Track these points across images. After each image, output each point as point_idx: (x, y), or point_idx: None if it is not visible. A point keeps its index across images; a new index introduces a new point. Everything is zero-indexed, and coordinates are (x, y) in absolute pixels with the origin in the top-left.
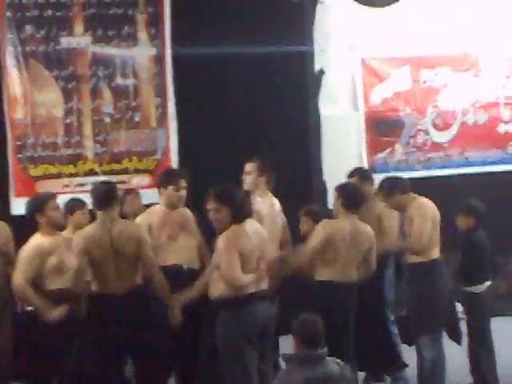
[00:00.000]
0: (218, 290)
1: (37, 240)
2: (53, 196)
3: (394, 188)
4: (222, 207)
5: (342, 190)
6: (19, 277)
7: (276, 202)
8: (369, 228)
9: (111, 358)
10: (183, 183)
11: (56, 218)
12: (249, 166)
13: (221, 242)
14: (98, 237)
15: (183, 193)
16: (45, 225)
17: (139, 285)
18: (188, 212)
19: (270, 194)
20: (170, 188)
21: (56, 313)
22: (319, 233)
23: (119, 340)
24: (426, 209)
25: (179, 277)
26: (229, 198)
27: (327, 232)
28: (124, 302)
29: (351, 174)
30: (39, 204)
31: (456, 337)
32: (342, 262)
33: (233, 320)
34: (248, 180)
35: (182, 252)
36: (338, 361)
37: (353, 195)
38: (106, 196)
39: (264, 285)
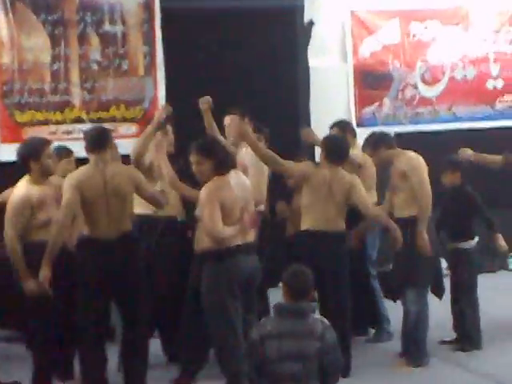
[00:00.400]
0: (202, 242)
1: (26, 189)
2: (48, 142)
3: (379, 142)
4: (204, 160)
5: (325, 142)
6: (10, 231)
7: None
8: (349, 176)
9: (97, 302)
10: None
11: (50, 165)
12: (228, 119)
13: (203, 193)
14: (91, 177)
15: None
16: (37, 172)
17: (129, 230)
18: None
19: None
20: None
21: (30, 285)
22: (299, 166)
23: (106, 285)
24: (422, 167)
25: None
26: (211, 150)
27: (306, 170)
28: (114, 247)
29: (331, 126)
30: (35, 150)
31: (438, 292)
32: (320, 209)
33: (216, 273)
34: (230, 132)
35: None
36: (324, 320)
37: (336, 148)
38: (98, 139)
39: (249, 237)
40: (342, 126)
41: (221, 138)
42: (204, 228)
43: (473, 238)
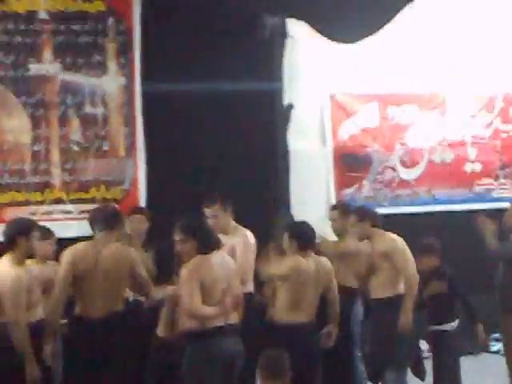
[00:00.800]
0: (183, 323)
1: (13, 271)
2: (36, 225)
3: (367, 216)
4: (187, 238)
5: (295, 229)
6: (18, 317)
7: (250, 236)
8: (327, 263)
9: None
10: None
11: (34, 247)
12: (209, 211)
13: (183, 272)
14: (85, 255)
15: None
16: (22, 250)
17: (119, 310)
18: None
19: (241, 228)
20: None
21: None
22: (285, 265)
23: (92, 363)
24: (405, 247)
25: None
26: (194, 229)
27: (292, 267)
28: (101, 327)
29: (333, 208)
30: (26, 228)
31: (420, 373)
32: (306, 302)
33: (197, 354)
34: (215, 224)
35: None
36: None
37: (305, 234)
38: (109, 220)
39: (232, 319)
40: (344, 208)
41: None
42: (183, 306)
43: (454, 320)
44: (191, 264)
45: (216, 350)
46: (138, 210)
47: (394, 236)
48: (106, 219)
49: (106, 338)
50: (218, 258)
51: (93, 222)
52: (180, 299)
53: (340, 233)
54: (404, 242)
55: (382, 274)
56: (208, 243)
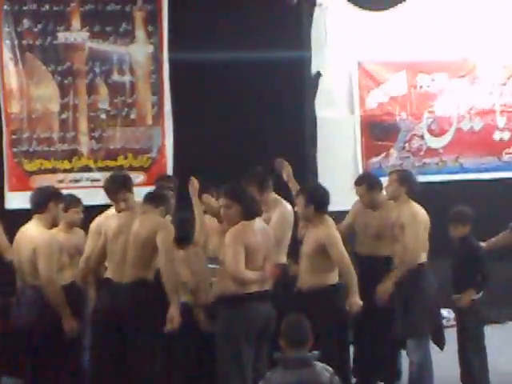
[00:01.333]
0: (222, 287)
1: (46, 234)
2: (61, 192)
3: (378, 184)
4: (232, 204)
5: (310, 192)
6: (50, 273)
7: (288, 209)
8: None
9: (105, 343)
10: None
11: (59, 215)
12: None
13: (228, 236)
14: (112, 221)
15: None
16: (51, 217)
17: (145, 278)
18: None
19: (280, 201)
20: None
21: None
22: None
23: (112, 327)
24: (419, 217)
25: None
26: (239, 194)
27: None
28: (122, 291)
29: (359, 182)
30: (56, 194)
31: (440, 342)
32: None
33: (234, 318)
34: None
35: None
36: (328, 367)
37: (322, 197)
38: (156, 200)
39: (267, 285)
40: (370, 182)
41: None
42: (227, 268)
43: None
44: (236, 228)
45: (253, 314)
46: (164, 177)
47: (414, 208)
48: (153, 199)
49: (131, 304)
50: (260, 224)
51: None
52: (224, 263)
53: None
54: (421, 214)
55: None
56: (251, 209)
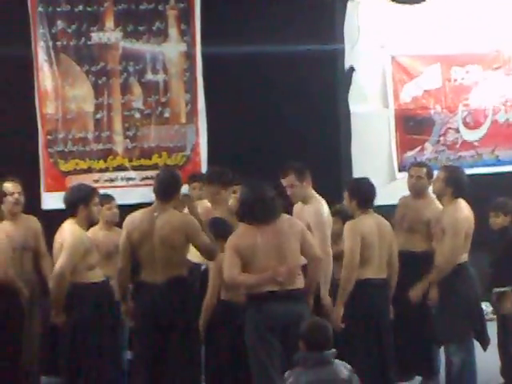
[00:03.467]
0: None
1: (80, 232)
2: (96, 191)
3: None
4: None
5: (355, 186)
6: (62, 268)
7: (323, 206)
8: (387, 223)
9: (147, 344)
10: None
11: (95, 213)
12: (284, 181)
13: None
14: (142, 222)
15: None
16: (83, 217)
17: (180, 275)
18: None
19: (317, 197)
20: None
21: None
22: (351, 234)
23: (153, 327)
24: (460, 222)
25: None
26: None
27: (359, 231)
28: (159, 291)
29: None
30: (86, 196)
31: (483, 341)
32: (376, 258)
33: (248, 317)
34: (292, 193)
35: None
36: (347, 365)
37: (368, 192)
38: (164, 187)
39: (291, 284)
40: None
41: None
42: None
43: None
44: (233, 234)
45: (264, 314)
46: (197, 176)
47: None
48: (166, 189)
49: (168, 303)
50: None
51: (154, 189)
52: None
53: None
54: (462, 218)
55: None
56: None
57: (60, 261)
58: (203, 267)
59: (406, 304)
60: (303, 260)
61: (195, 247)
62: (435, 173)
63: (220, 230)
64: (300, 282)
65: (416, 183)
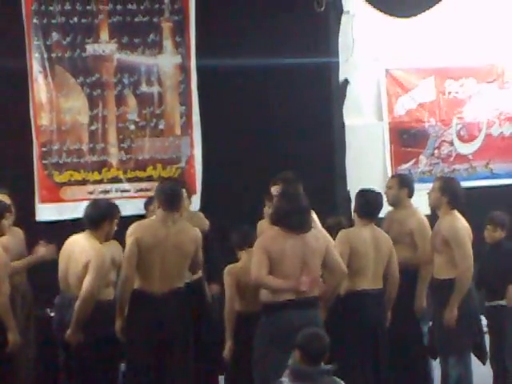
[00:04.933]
0: (261, 295)
1: (101, 248)
2: (118, 209)
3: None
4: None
5: (357, 197)
6: (92, 287)
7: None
8: (386, 235)
9: (144, 357)
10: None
11: (113, 231)
12: (274, 189)
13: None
14: (155, 231)
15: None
16: (104, 233)
17: (181, 287)
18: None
19: None
20: None
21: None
22: (340, 242)
23: (153, 339)
24: (462, 232)
25: None
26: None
27: (348, 239)
28: (162, 302)
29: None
30: (113, 211)
31: (481, 356)
32: (370, 269)
33: (263, 325)
34: None
35: None
36: (340, 381)
37: (367, 204)
38: (173, 199)
39: (308, 292)
40: (402, 179)
41: None
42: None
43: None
44: (262, 236)
45: (282, 322)
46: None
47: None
48: (172, 200)
49: (167, 314)
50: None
51: (158, 201)
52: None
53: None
54: (464, 229)
55: (443, 256)
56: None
57: (90, 280)
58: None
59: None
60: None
61: (193, 260)
62: (430, 185)
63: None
64: (317, 291)
65: (387, 193)
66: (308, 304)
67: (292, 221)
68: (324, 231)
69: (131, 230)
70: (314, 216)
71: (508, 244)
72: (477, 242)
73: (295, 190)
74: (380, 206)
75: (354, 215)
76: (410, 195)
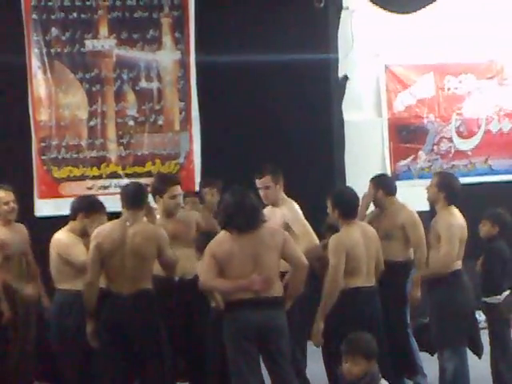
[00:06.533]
0: None
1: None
2: (99, 206)
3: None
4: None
5: (335, 200)
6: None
7: (297, 209)
8: (371, 228)
9: (111, 353)
10: (177, 190)
11: (89, 227)
12: (259, 182)
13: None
14: (113, 233)
15: (178, 200)
16: (77, 226)
17: (147, 289)
18: (189, 219)
19: (289, 201)
20: (166, 196)
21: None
22: (336, 250)
23: (117, 338)
24: (454, 228)
25: (169, 288)
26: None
27: (343, 246)
28: (125, 303)
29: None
30: (88, 207)
31: (477, 349)
32: (364, 267)
33: (225, 325)
34: (265, 195)
35: None
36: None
37: (349, 202)
38: (134, 197)
39: (267, 292)
40: (375, 181)
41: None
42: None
43: (500, 293)
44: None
45: (237, 322)
46: (209, 182)
47: (449, 217)
48: (134, 197)
49: (133, 315)
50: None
51: (121, 200)
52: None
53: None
54: (456, 225)
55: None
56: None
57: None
58: (176, 279)
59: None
60: (284, 267)
61: (159, 260)
62: (429, 181)
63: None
64: (278, 290)
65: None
66: (267, 303)
67: (236, 221)
68: (278, 226)
69: (93, 235)
70: (294, 210)
71: (499, 241)
72: (475, 237)
73: (240, 189)
74: (358, 200)
75: (333, 214)
76: (389, 193)
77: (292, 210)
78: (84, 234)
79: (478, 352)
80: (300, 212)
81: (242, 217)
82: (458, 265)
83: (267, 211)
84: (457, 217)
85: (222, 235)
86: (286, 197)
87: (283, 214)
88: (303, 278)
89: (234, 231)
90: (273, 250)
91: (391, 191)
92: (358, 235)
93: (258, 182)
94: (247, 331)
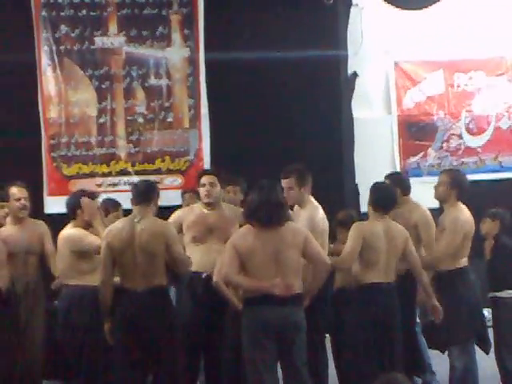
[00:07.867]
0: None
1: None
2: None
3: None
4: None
5: (371, 190)
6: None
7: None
8: (401, 227)
9: (127, 356)
10: (207, 179)
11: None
12: (284, 183)
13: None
14: (122, 230)
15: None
16: (80, 223)
17: (161, 285)
18: (227, 212)
19: (313, 203)
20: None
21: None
22: (354, 235)
23: (131, 334)
24: (459, 224)
25: (195, 285)
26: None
27: (362, 232)
28: (139, 299)
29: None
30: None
31: (484, 346)
32: (382, 263)
33: (243, 321)
34: (289, 196)
35: (203, 257)
36: None
37: (382, 197)
38: (143, 193)
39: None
40: (393, 179)
41: None
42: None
43: (508, 289)
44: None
45: (255, 318)
46: (232, 180)
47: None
48: (143, 194)
49: (147, 312)
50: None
51: (132, 197)
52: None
53: None
54: (462, 220)
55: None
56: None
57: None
58: (204, 275)
59: None
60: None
61: (167, 256)
62: (437, 179)
63: None
64: (298, 287)
65: None
66: (286, 301)
67: (260, 215)
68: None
69: (104, 235)
70: (308, 211)
71: (503, 237)
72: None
73: (269, 184)
74: (394, 199)
75: (368, 208)
76: (405, 193)
77: (309, 219)
78: (88, 227)
79: (486, 348)
80: (320, 224)
81: (266, 211)
82: (465, 262)
83: (295, 210)
84: (464, 212)
85: (245, 229)
86: (313, 201)
87: (303, 218)
88: (324, 277)
89: (257, 225)
90: (294, 248)
91: (407, 190)
92: (381, 230)
93: (283, 182)
94: (266, 327)
